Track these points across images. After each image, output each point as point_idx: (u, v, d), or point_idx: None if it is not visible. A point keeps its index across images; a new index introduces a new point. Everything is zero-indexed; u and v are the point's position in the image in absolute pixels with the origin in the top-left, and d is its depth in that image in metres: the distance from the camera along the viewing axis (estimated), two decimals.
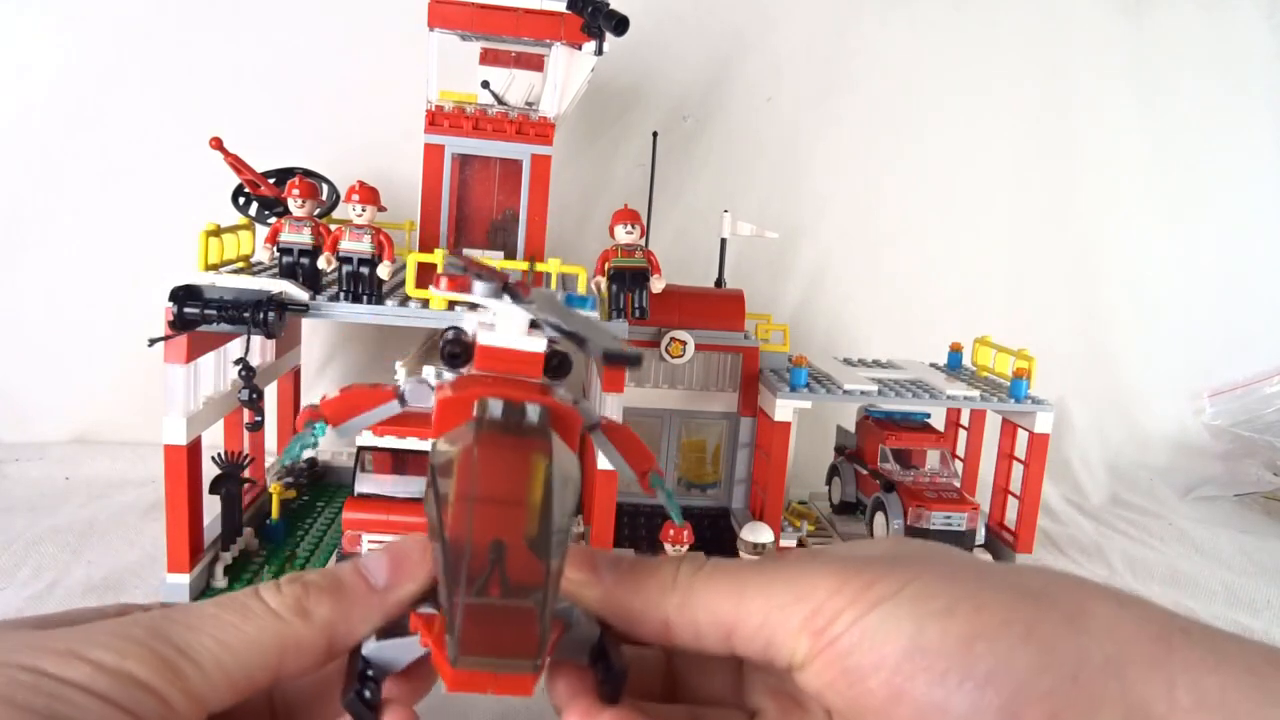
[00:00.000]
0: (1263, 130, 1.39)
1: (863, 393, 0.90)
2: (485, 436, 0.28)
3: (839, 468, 1.04)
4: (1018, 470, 0.94)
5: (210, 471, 0.79)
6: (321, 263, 0.77)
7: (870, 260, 1.29)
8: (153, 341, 0.71)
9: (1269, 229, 1.42)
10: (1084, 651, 0.25)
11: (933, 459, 0.95)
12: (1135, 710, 0.24)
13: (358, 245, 0.76)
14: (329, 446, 1.07)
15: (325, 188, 0.93)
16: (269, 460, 1.01)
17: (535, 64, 0.89)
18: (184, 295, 0.71)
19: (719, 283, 1.00)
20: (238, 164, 0.84)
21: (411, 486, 0.79)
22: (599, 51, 0.83)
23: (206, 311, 0.71)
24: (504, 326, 0.31)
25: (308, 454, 1.03)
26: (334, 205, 0.94)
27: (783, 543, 0.88)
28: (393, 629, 0.31)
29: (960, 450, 1.04)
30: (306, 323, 1.07)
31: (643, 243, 0.86)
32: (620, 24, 0.78)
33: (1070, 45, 1.31)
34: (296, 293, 0.75)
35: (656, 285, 0.86)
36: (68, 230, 1.11)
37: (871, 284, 1.30)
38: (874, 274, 1.30)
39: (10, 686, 0.25)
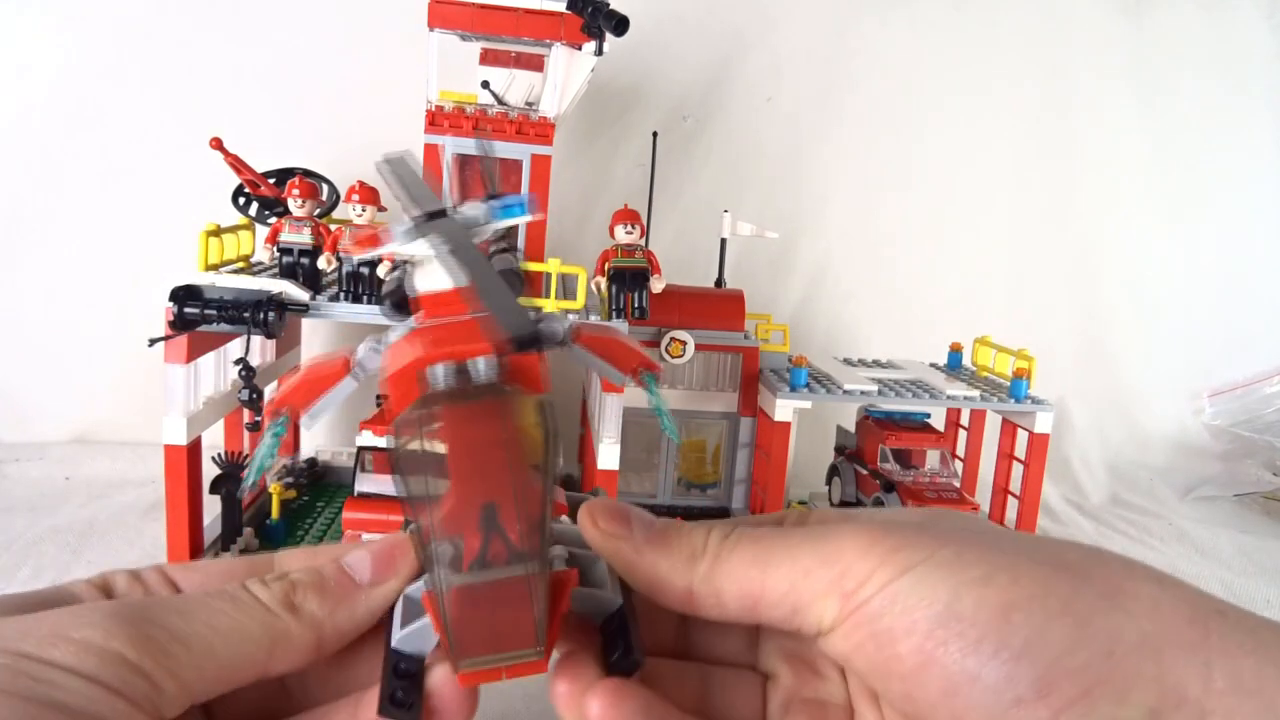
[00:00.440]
0: (1263, 130, 1.39)
1: (863, 393, 0.90)
2: (437, 414, 0.26)
3: (839, 468, 1.04)
4: (1018, 470, 0.94)
5: (210, 471, 0.79)
6: (321, 263, 0.77)
7: (870, 260, 1.29)
8: (153, 341, 0.71)
9: (1269, 229, 1.42)
10: (1120, 629, 0.25)
11: (933, 459, 0.95)
12: (1169, 691, 0.24)
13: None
14: (329, 446, 1.07)
15: (325, 188, 0.93)
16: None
17: (535, 64, 0.89)
18: (184, 295, 0.71)
19: (719, 283, 1.00)
20: (238, 164, 0.84)
21: None
22: (599, 52, 0.83)
23: (206, 311, 0.71)
24: (434, 266, 0.28)
25: (304, 455, 1.04)
26: (334, 205, 0.94)
27: None
28: (415, 611, 0.30)
29: (960, 450, 1.04)
30: (306, 323, 1.07)
31: (643, 243, 0.86)
32: (620, 24, 0.78)
33: (1070, 45, 1.31)
34: (296, 293, 0.76)
35: (656, 285, 0.86)
36: (68, 230, 1.11)
37: (872, 284, 1.30)
38: (874, 274, 1.30)
39: None
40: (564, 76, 0.85)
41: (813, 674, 0.32)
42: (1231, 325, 1.41)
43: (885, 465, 0.95)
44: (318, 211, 0.83)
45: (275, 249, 0.78)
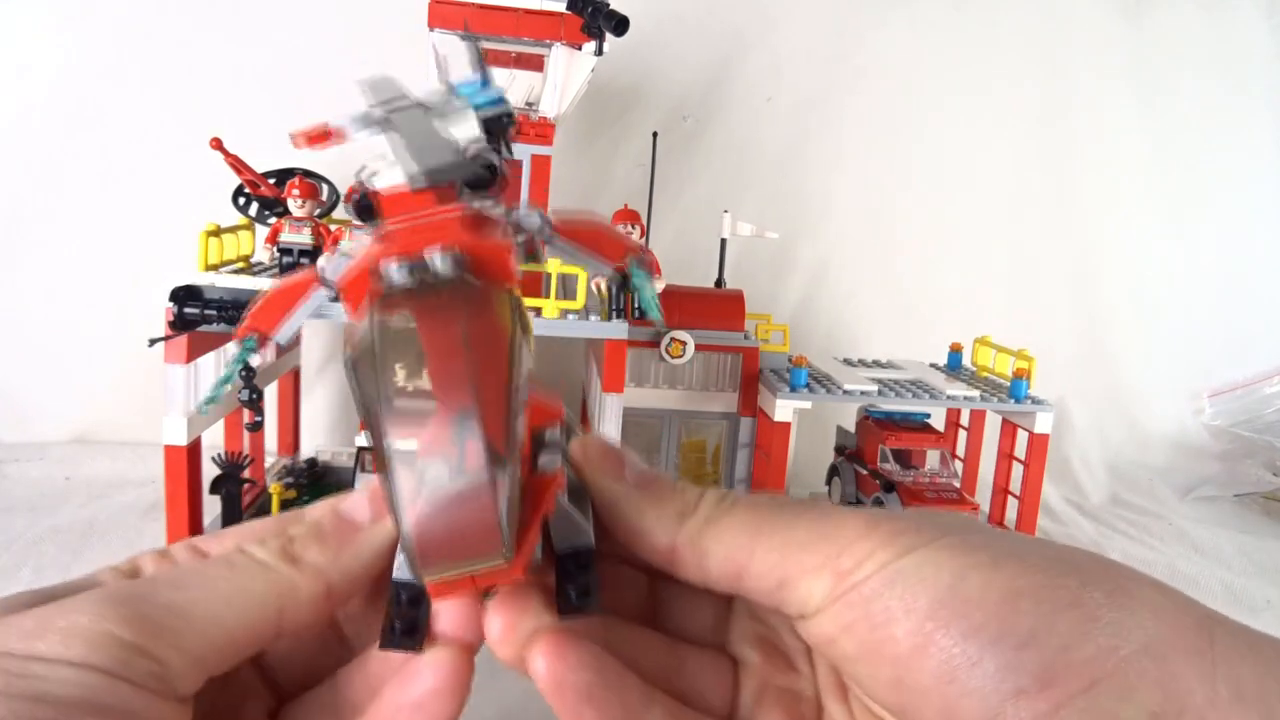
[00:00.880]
0: (1263, 130, 1.39)
1: (863, 393, 0.90)
2: (385, 317, 0.24)
3: (839, 468, 1.04)
4: (1017, 470, 0.94)
5: (210, 471, 0.79)
6: None
7: (870, 260, 1.30)
8: (153, 341, 0.71)
9: (1269, 229, 1.42)
10: (1128, 628, 0.24)
11: (933, 459, 0.95)
12: (1173, 696, 0.23)
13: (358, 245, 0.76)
14: (329, 446, 1.07)
15: (325, 188, 0.93)
16: (269, 460, 1.01)
17: (535, 64, 0.89)
18: (184, 295, 0.71)
19: (719, 283, 1.00)
20: (238, 164, 0.84)
21: None
22: (599, 52, 0.83)
23: (206, 312, 0.71)
24: (391, 162, 0.27)
25: (304, 455, 1.04)
26: (334, 205, 0.94)
27: None
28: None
29: (960, 450, 1.04)
30: (306, 323, 1.07)
31: (643, 243, 0.86)
32: (620, 24, 0.78)
33: (1070, 45, 1.31)
34: None
35: (656, 285, 0.86)
36: (68, 230, 1.11)
37: (871, 284, 1.30)
38: (874, 274, 1.30)
39: None
40: (564, 77, 0.85)
41: (785, 663, 0.31)
42: (1231, 325, 1.41)
43: (885, 465, 0.95)
44: (318, 212, 0.83)
45: (275, 249, 0.78)
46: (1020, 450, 0.94)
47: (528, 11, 0.83)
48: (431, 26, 0.84)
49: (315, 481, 1.03)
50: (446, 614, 0.28)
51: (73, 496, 0.97)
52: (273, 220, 0.83)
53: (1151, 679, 0.23)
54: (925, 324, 1.22)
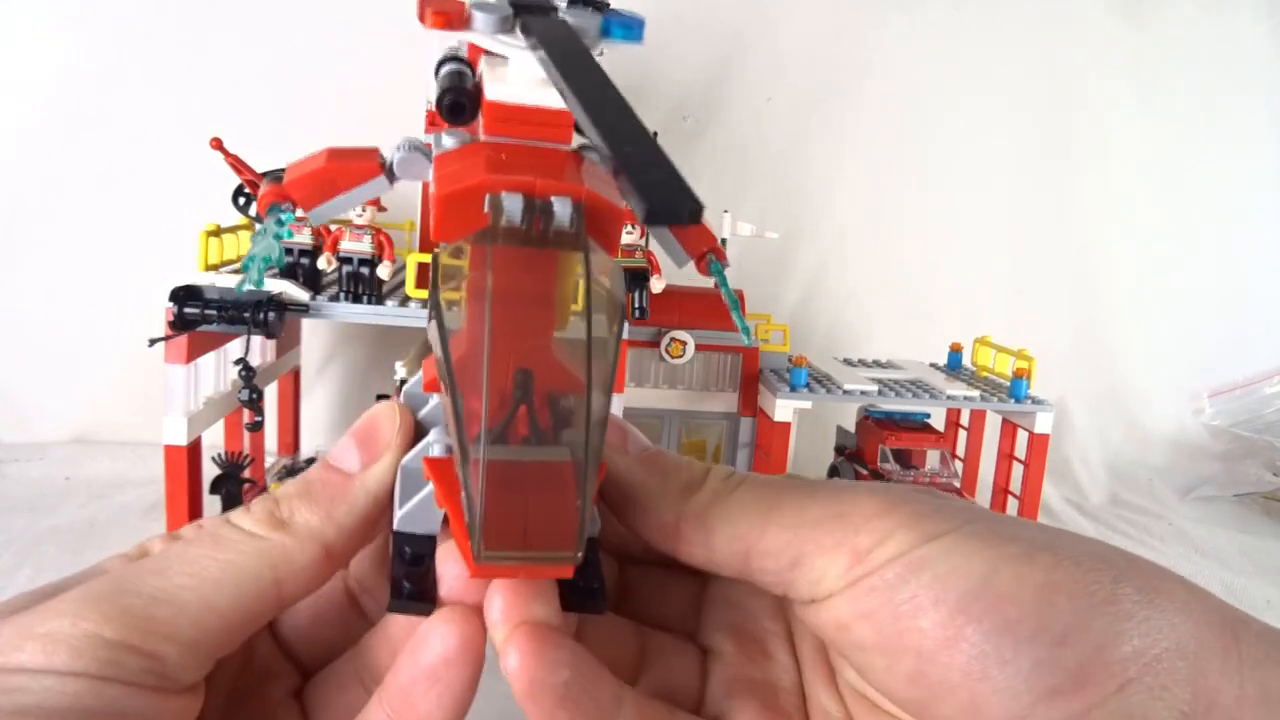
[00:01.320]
0: (1263, 130, 1.39)
1: (863, 393, 0.90)
2: (500, 249, 0.21)
3: (839, 468, 1.04)
4: (1018, 470, 0.94)
5: (210, 471, 0.79)
6: (321, 263, 0.77)
7: (870, 260, 1.29)
8: (153, 342, 0.71)
9: (1269, 229, 1.42)
10: (1158, 627, 0.23)
11: (933, 459, 0.95)
12: (1202, 694, 0.23)
13: (358, 245, 0.77)
14: (329, 446, 1.07)
15: None
16: (269, 460, 1.01)
17: None
18: (184, 295, 0.71)
19: None
20: (238, 164, 0.84)
21: None
22: (599, 52, 0.83)
23: (206, 311, 0.71)
24: (518, 73, 0.23)
25: (304, 455, 1.03)
26: None
27: None
28: (414, 485, 0.26)
29: (960, 450, 1.04)
30: (306, 323, 1.07)
31: (643, 243, 0.86)
32: None
33: (1070, 45, 1.30)
34: (296, 293, 0.75)
35: (656, 285, 0.86)
36: (68, 230, 1.11)
37: (871, 284, 1.30)
38: (874, 274, 1.30)
39: None
40: None
41: (760, 652, 0.30)
42: (1231, 325, 1.41)
43: (885, 465, 0.95)
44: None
45: None
46: (1020, 450, 0.94)
47: None
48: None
49: None
50: (450, 578, 0.26)
51: (73, 496, 0.97)
52: None
53: (1182, 678, 0.23)
54: (925, 324, 1.22)
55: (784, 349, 0.98)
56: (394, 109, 1.03)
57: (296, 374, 1.06)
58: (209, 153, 0.80)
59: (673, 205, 0.18)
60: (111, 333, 1.09)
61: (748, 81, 1.24)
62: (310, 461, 1.03)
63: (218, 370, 0.84)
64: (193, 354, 0.74)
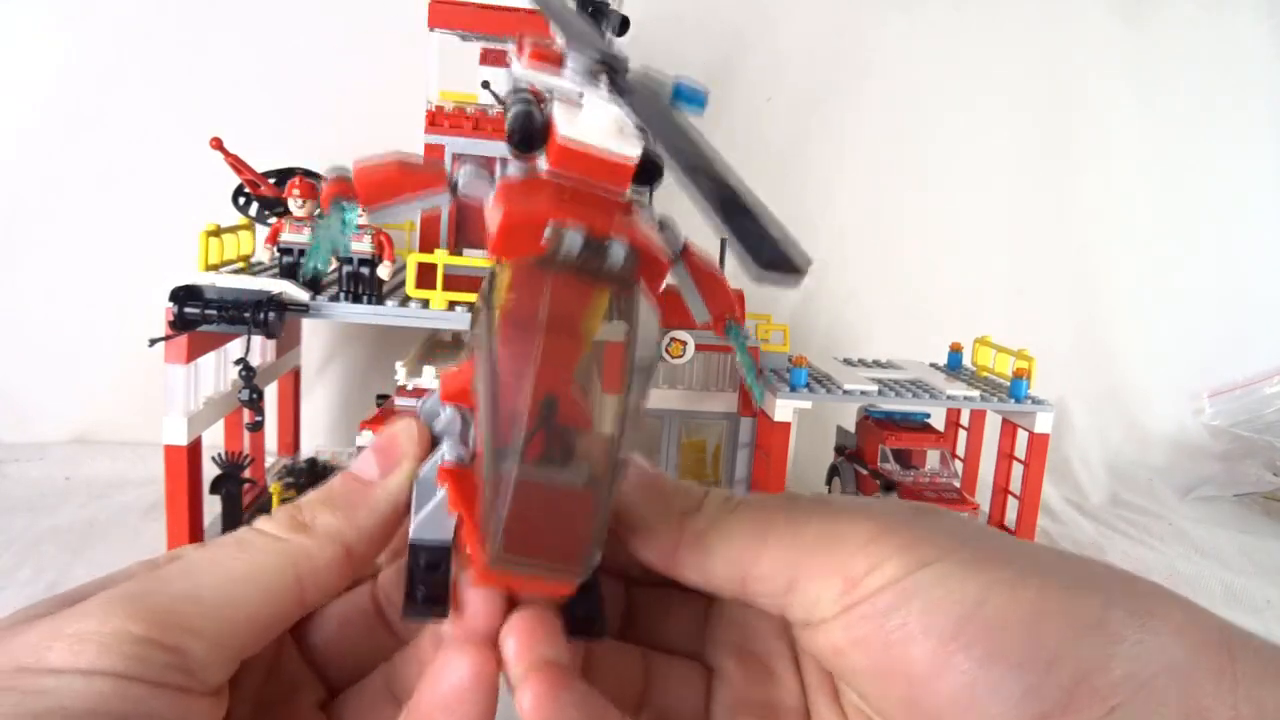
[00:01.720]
0: (1263, 130, 1.39)
1: (863, 393, 0.90)
2: (557, 277, 0.23)
3: (839, 468, 1.04)
4: (1017, 470, 0.94)
5: (210, 471, 0.79)
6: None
7: (870, 260, 1.29)
8: (153, 341, 0.71)
9: (1269, 229, 1.42)
10: (1149, 649, 0.24)
11: (933, 459, 0.95)
12: (1194, 716, 0.23)
13: (358, 245, 0.77)
14: (329, 446, 1.07)
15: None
16: (269, 460, 1.01)
17: None
18: (184, 295, 0.71)
19: None
20: (238, 164, 0.84)
21: None
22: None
23: (206, 311, 0.71)
24: (592, 117, 0.24)
25: (304, 455, 1.04)
26: None
27: None
28: (428, 493, 0.27)
29: (960, 450, 1.04)
30: (306, 323, 1.07)
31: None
32: (621, 24, 0.78)
33: (1070, 45, 1.30)
34: (296, 293, 0.76)
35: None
36: (68, 230, 1.11)
37: (872, 284, 1.30)
38: (874, 274, 1.30)
39: None
40: None
41: (764, 673, 0.30)
42: (1231, 325, 1.41)
43: (885, 465, 0.95)
44: (318, 211, 0.83)
45: (275, 249, 0.78)
46: (1020, 450, 0.94)
47: (528, 11, 0.83)
48: (431, 26, 0.84)
49: (315, 482, 1.03)
50: (473, 606, 0.26)
51: (73, 496, 0.97)
52: (273, 220, 0.82)
53: (1173, 700, 0.23)
54: (925, 324, 1.22)
55: (784, 349, 0.98)
56: (394, 109, 1.03)
57: (296, 374, 1.06)
58: (209, 153, 0.80)
59: (786, 257, 0.20)
60: (111, 333, 1.09)
61: (748, 81, 1.24)
62: (311, 462, 1.03)
63: (218, 370, 0.84)
64: (193, 354, 0.74)
